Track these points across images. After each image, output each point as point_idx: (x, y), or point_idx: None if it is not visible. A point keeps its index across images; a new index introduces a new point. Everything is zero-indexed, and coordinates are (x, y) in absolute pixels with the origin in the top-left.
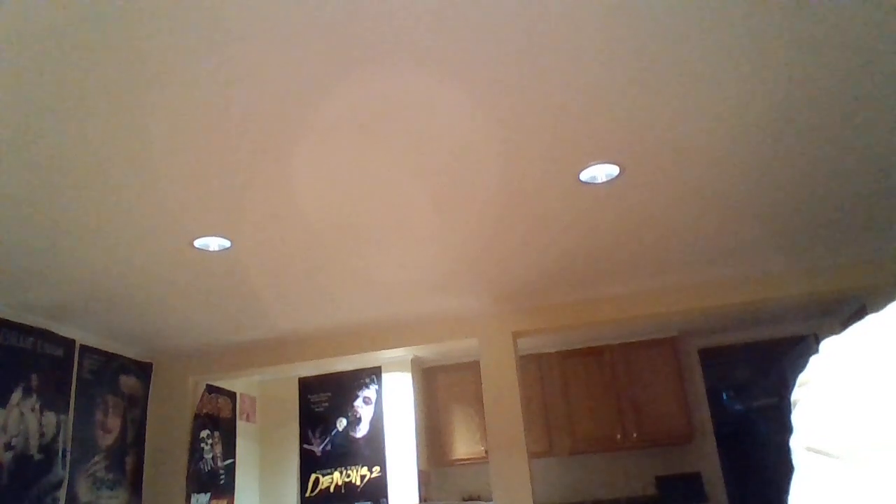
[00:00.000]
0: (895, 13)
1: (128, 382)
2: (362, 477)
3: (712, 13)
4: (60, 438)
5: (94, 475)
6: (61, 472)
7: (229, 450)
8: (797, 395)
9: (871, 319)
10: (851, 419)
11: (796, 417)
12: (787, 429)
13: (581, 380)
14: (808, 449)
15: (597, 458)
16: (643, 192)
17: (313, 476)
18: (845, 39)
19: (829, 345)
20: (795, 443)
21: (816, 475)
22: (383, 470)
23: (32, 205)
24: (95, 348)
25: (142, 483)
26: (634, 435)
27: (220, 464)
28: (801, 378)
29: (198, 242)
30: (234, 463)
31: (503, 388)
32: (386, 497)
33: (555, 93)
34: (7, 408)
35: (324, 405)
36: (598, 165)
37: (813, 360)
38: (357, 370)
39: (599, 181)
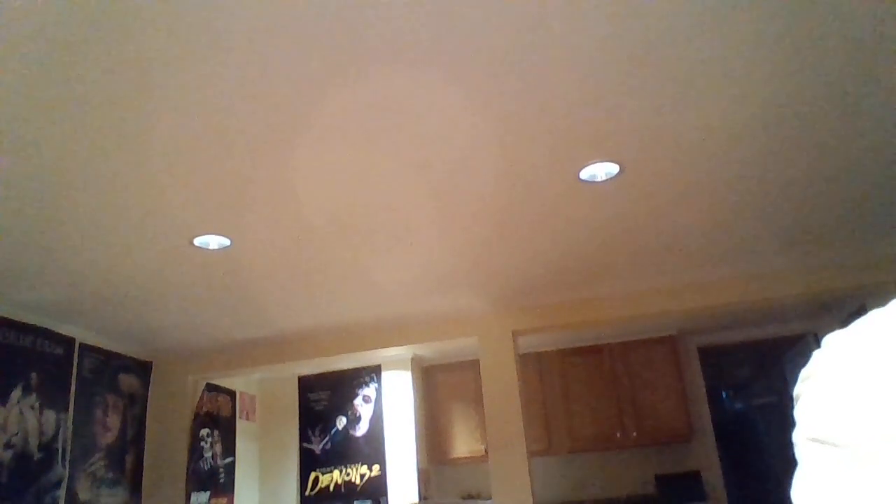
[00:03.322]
0: (893, 14)
1: (127, 381)
2: (362, 475)
3: (712, 13)
4: (60, 437)
5: (94, 474)
6: (61, 470)
7: (229, 448)
8: (800, 389)
9: (873, 314)
10: (855, 410)
11: (799, 411)
12: (786, 427)
13: (581, 378)
14: (812, 439)
15: (596, 457)
16: (643, 191)
17: (313, 474)
18: (845, 39)
19: (831, 339)
20: (798, 435)
21: (820, 464)
22: (383, 468)
23: (33, 204)
24: (95, 347)
25: (141, 481)
26: (634, 433)
27: (219, 462)
28: (804, 372)
29: (198, 241)
30: (233, 461)
31: (503, 386)
32: (386, 495)
33: (555, 92)
34: (7, 406)
35: (323, 403)
36: (598, 164)
37: (816, 354)
38: (357, 368)
39: (599, 180)
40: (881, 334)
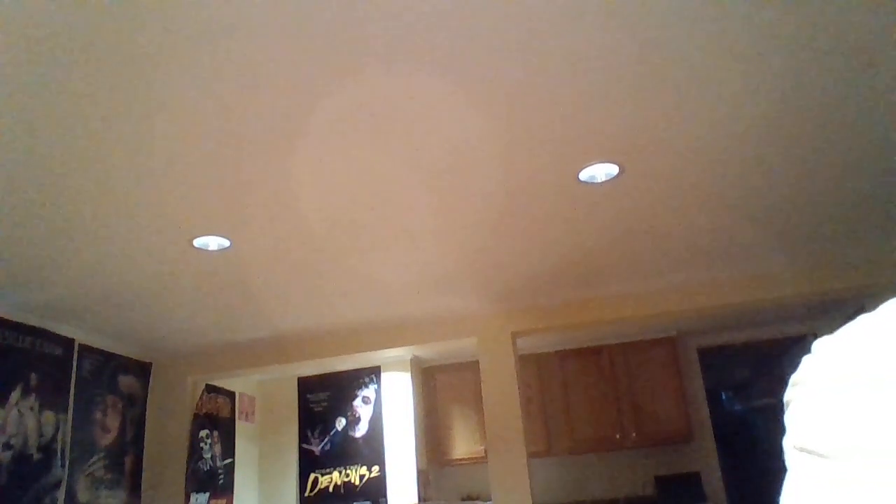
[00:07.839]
0: (893, 15)
1: (127, 382)
2: (361, 476)
3: (712, 14)
4: (59, 438)
5: (93, 475)
6: (60, 471)
7: (228, 449)
8: (789, 395)
9: (863, 319)
10: (842, 420)
11: (788, 418)
12: (784, 429)
13: (580, 379)
14: (799, 448)
15: (596, 458)
16: (643, 192)
17: (312, 476)
18: (845, 40)
19: (821, 345)
20: (787, 443)
21: (806, 474)
22: (382, 469)
23: (32, 205)
24: (95, 348)
25: (141, 483)
26: (633, 435)
27: (219, 463)
28: (794, 378)
29: (197, 242)
30: (233, 462)
31: (502, 387)
32: (385, 497)
33: (555, 93)
34: (6, 407)
35: (323, 405)
36: (598, 165)
37: (805, 360)
38: (356, 370)
39: (599, 181)
40: (870, 340)
